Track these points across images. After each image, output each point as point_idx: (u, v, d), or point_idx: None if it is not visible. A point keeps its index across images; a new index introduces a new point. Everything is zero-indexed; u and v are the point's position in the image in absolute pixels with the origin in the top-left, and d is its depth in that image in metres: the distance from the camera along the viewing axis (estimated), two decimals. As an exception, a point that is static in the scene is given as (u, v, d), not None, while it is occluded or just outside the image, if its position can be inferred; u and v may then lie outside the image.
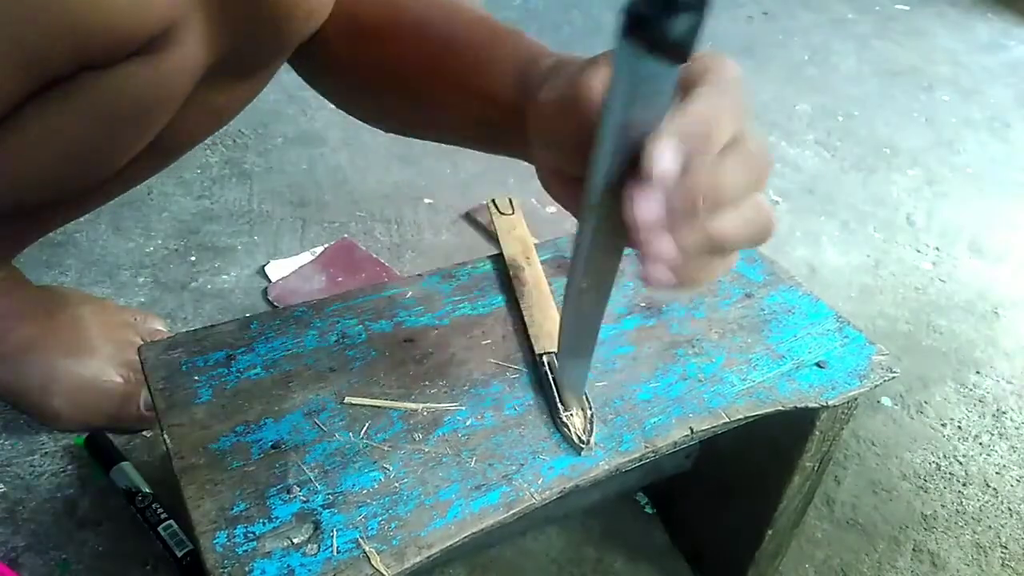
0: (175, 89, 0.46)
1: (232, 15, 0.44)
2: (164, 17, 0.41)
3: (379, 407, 0.42)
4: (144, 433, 0.72)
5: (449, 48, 0.49)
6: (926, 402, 0.86)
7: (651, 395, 0.44)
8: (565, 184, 0.37)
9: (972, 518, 0.74)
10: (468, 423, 0.41)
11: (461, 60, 0.48)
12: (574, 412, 0.42)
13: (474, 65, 0.47)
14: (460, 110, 0.48)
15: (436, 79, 0.49)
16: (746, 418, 0.44)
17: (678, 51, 0.27)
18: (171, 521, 0.63)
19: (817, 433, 0.49)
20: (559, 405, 0.42)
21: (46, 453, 0.70)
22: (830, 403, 0.45)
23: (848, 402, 0.47)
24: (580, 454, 0.40)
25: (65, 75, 0.41)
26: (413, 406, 0.42)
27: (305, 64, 0.56)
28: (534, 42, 0.47)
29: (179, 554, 0.61)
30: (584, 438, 0.40)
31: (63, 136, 0.45)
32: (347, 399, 0.42)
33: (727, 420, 0.43)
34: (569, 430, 0.41)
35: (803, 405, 0.45)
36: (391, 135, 0.61)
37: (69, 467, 0.69)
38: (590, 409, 0.42)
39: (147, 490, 0.65)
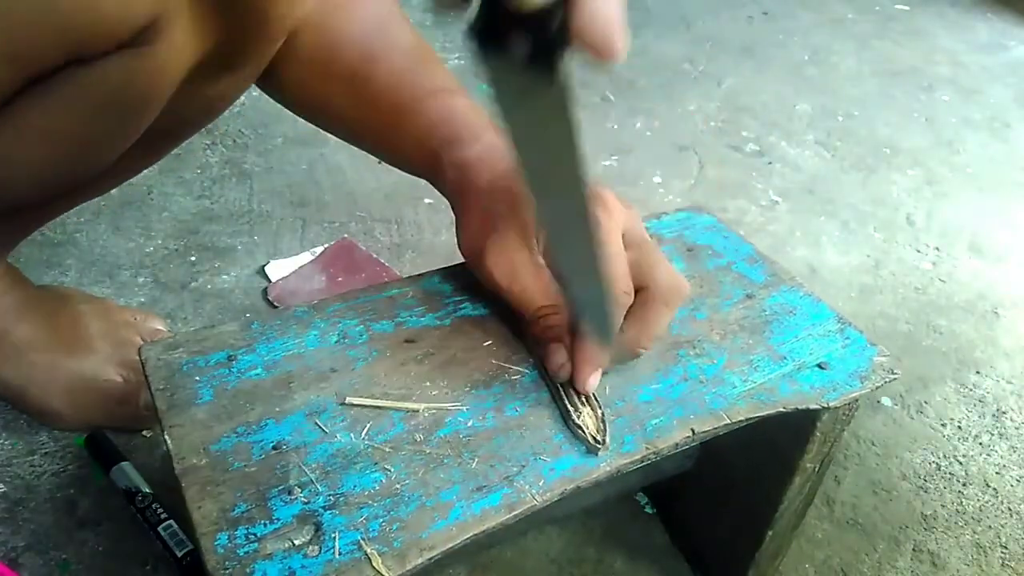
0: (164, 81, 0.46)
1: (219, 6, 0.45)
2: (150, 9, 0.41)
3: (380, 407, 0.42)
4: (144, 433, 0.72)
5: (374, 107, 0.55)
6: (926, 402, 0.86)
7: (652, 396, 0.44)
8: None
9: (972, 518, 0.74)
10: (469, 424, 0.41)
11: (386, 125, 0.55)
12: (585, 412, 0.42)
13: (393, 132, 0.54)
14: (388, 158, 0.57)
15: (364, 131, 0.58)
16: (747, 419, 0.44)
17: (540, 62, 0.25)
18: (171, 521, 0.63)
19: (818, 434, 0.49)
20: (568, 408, 0.42)
21: (46, 453, 0.70)
22: (831, 404, 0.45)
23: (849, 403, 0.47)
24: (597, 455, 0.40)
25: (53, 68, 0.41)
26: (414, 406, 0.42)
27: (263, 79, 0.58)
28: (441, 121, 0.52)
29: (179, 554, 0.61)
30: (599, 438, 0.40)
31: (53, 129, 0.45)
32: (348, 399, 0.42)
33: (728, 422, 0.43)
34: (584, 431, 0.41)
35: (804, 407, 0.45)
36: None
37: (69, 467, 0.69)
38: (600, 408, 0.42)
39: (147, 490, 0.65)
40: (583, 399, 0.43)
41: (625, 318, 0.43)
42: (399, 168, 0.58)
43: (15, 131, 0.44)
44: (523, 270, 0.44)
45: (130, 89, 0.45)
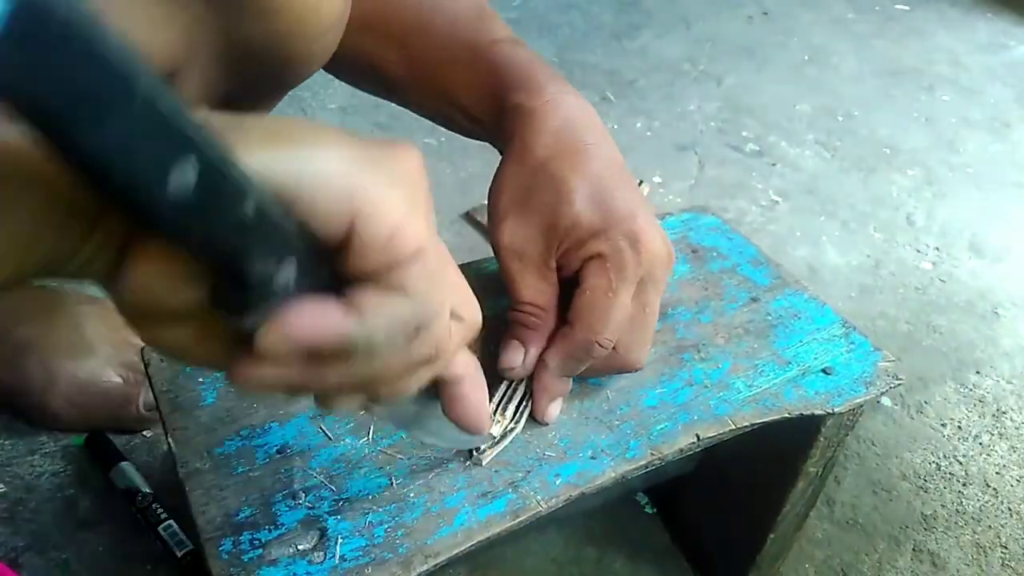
0: None
1: (234, 59, 0.44)
2: (171, 61, 0.40)
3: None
4: (144, 433, 0.72)
5: (431, 61, 0.52)
6: (926, 402, 0.86)
7: (657, 401, 0.44)
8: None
9: (972, 518, 0.75)
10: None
11: (440, 78, 0.51)
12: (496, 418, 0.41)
13: (452, 81, 0.51)
14: (444, 111, 0.53)
15: (420, 88, 0.54)
16: (752, 425, 0.44)
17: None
18: (171, 521, 0.63)
19: (822, 439, 0.48)
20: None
21: (46, 453, 0.69)
22: (836, 411, 0.45)
23: (854, 409, 0.47)
24: (470, 461, 0.40)
25: None
26: None
27: None
28: (505, 66, 0.49)
29: (179, 554, 0.61)
30: (483, 449, 0.40)
31: None
32: None
33: (733, 427, 0.43)
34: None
35: (809, 412, 0.45)
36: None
37: (69, 467, 0.69)
38: (518, 423, 0.42)
39: (147, 490, 0.65)
40: (515, 404, 0.42)
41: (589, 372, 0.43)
42: (451, 125, 0.54)
43: None
44: (532, 260, 0.42)
45: None
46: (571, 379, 0.42)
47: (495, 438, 0.40)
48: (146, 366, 0.43)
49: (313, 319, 0.22)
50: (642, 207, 0.42)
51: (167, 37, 0.39)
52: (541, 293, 0.42)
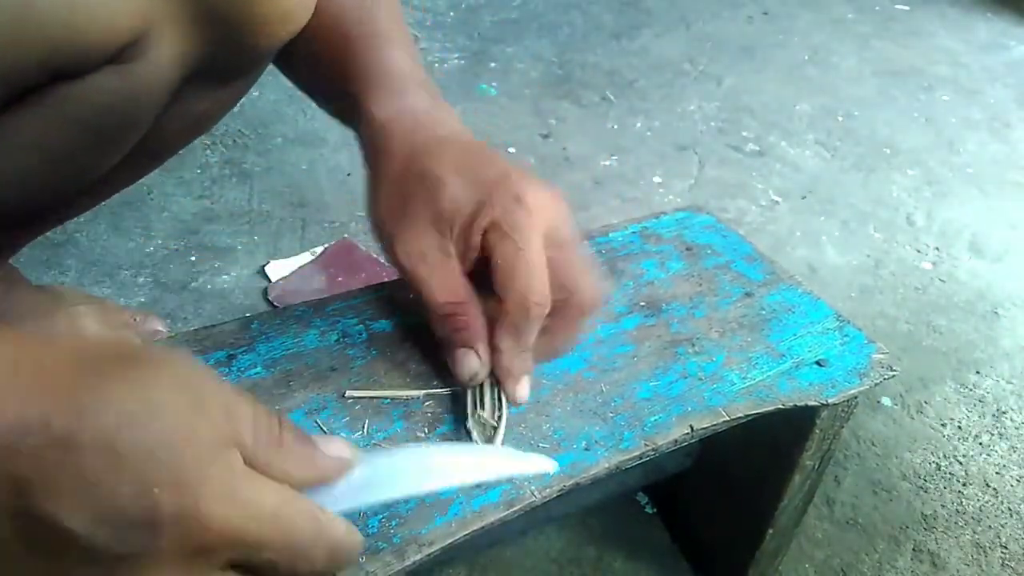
0: (150, 97, 0.45)
1: (204, 23, 0.44)
2: (133, 26, 0.40)
3: (379, 397, 0.42)
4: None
5: (316, 44, 0.52)
6: (926, 402, 0.86)
7: (651, 393, 0.44)
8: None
9: (972, 518, 0.74)
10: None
11: (316, 62, 0.52)
12: (485, 412, 0.41)
13: (324, 71, 0.51)
14: (321, 103, 0.55)
15: (301, 71, 0.55)
16: (746, 416, 0.44)
17: None
18: (171, 520, 0.63)
19: (817, 431, 0.49)
20: (470, 404, 0.41)
21: (46, 452, 0.70)
22: (830, 401, 0.45)
23: (848, 400, 0.47)
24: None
25: (37, 85, 0.41)
26: (415, 393, 0.42)
27: None
28: (374, 62, 0.49)
29: (179, 553, 0.61)
30: (487, 437, 0.40)
31: (40, 144, 0.45)
32: (349, 393, 0.42)
33: (727, 418, 0.43)
34: (474, 434, 0.40)
35: (803, 403, 0.45)
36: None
37: (69, 466, 0.69)
38: (500, 410, 0.41)
39: (147, 489, 0.65)
40: (489, 398, 0.41)
41: (546, 324, 0.41)
42: (336, 118, 0.54)
43: (2, 145, 0.44)
44: (432, 258, 0.41)
45: (116, 105, 0.44)
46: (529, 353, 0.41)
47: None
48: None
49: None
50: (512, 169, 0.42)
51: (129, 3, 0.39)
52: (455, 288, 0.41)
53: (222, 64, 0.48)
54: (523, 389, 0.41)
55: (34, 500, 0.23)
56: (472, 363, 0.41)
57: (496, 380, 0.42)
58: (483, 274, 0.41)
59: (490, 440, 0.40)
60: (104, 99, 0.43)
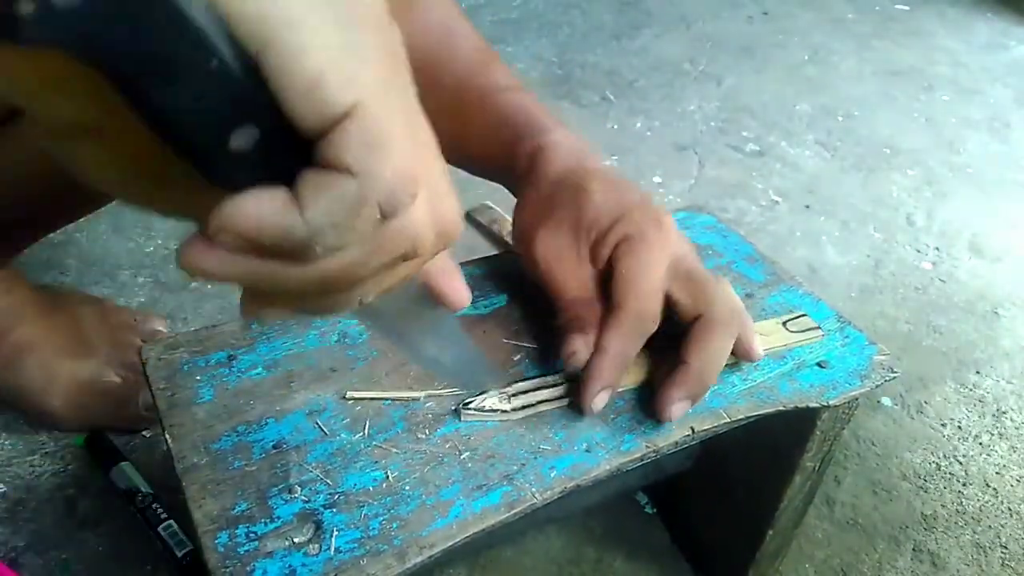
0: None
1: None
2: None
3: (379, 399, 0.42)
4: (144, 433, 0.72)
5: (440, 112, 0.54)
6: (926, 402, 0.86)
7: (652, 395, 0.44)
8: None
9: (972, 518, 0.74)
10: (469, 423, 0.41)
11: (448, 125, 0.53)
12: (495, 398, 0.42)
13: (461, 130, 0.53)
14: (455, 159, 0.54)
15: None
16: (747, 418, 0.44)
17: None
18: (171, 521, 0.63)
19: (818, 433, 0.49)
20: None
21: (46, 453, 0.70)
22: (831, 403, 0.45)
23: (849, 402, 0.47)
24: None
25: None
26: (416, 394, 0.42)
27: None
28: (519, 112, 0.52)
29: (179, 554, 0.61)
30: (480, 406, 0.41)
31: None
32: (349, 394, 0.42)
33: (728, 420, 0.43)
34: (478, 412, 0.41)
35: (804, 405, 0.45)
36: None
37: (69, 467, 0.69)
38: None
39: (147, 490, 0.65)
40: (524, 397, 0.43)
41: (687, 350, 0.42)
42: (464, 168, 0.56)
43: (13, 147, 0.44)
44: (567, 258, 0.44)
45: None
46: (623, 371, 0.42)
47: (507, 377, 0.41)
48: (144, 364, 0.43)
49: (255, 206, 0.19)
50: (654, 202, 0.46)
51: None
52: (582, 285, 0.44)
53: None
54: (602, 400, 0.42)
55: None
56: (578, 343, 0.42)
57: (568, 391, 0.43)
58: (605, 287, 0.44)
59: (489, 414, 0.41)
60: None
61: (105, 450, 0.68)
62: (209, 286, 0.89)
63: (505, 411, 0.41)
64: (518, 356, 0.46)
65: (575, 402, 0.42)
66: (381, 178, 0.20)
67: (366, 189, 0.20)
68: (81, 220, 0.95)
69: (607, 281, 0.44)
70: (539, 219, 0.46)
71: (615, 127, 1.32)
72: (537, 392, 0.43)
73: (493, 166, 0.54)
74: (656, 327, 0.43)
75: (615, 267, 0.43)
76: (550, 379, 0.44)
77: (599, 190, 0.45)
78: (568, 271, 0.44)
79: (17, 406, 0.71)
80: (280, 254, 0.20)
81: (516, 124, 0.51)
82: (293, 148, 0.20)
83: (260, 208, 0.19)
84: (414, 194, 0.21)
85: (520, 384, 0.43)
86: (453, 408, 0.41)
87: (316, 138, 0.19)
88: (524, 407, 0.42)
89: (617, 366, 0.42)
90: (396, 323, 0.31)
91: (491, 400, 0.42)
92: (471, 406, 0.41)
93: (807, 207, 1.16)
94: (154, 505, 0.64)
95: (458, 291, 0.30)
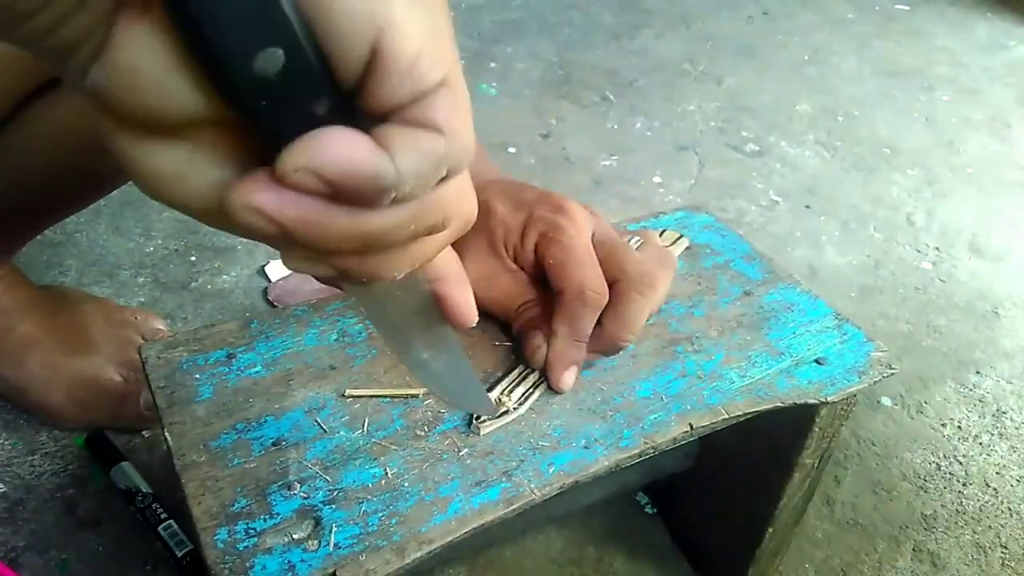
0: None
1: None
2: None
3: (378, 396, 0.42)
4: (144, 433, 0.72)
5: None
6: (926, 402, 0.86)
7: (651, 392, 0.44)
8: None
9: (972, 518, 0.74)
10: (468, 419, 0.41)
11: None
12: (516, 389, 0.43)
13: None
14: None
15: None
16: (745, 415, 0.44)
17: None
18: (171, 521, 0.63)
19: (817, 430, 0.49)
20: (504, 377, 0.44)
21: (46, 453, 0.70)
22: (829, 399, 0.45)
23: (847, 398, 0.47)
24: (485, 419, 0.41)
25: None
26: (414, 391, 0.42)
27: None
28: None
29: (179, 554, 0.61)
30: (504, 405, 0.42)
31: (64, 133, 0.46)
32: (348, 392, 0.42)
33: (727, 416, 0.43)
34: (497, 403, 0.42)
35: (802, 401, 0.45)
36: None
37: (69, 467, 0.69)
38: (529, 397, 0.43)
39: (147, 490, 0.65)
40: (522, 387, 0.44)
41: (603, 314, 0.44)
42: None
43: (26, 135, 0.45)
44: (498, 279, 0.46)
45: None
46: (583, 347, 0.44)
47: (494, 408, 0.41)
48: (143, 362, 0.44)
49: (346, 147, 0.19)
50: (548, 191, 0.47)
51: None
52: (523, 290, 0.46)
53: None
54: (569, 377, 0.43)
55: None
56: (537, 338, 0.44)
57: (535, 382, 0.44)
58: (546, 285, 0.45)
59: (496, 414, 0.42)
60: None
61: (105, 450, 0.68)
62: (209, 286, 0.89)
63: (513, 409, 0.42)
64: (517, 352, 0.46)
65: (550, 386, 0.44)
66: (462, 140, 0.21)
67: (449, 148, 0.21)
68: (81, 220, 0.95)
69: (545, 279, 0.45)
70: (458, 252, 0.47)
71: (615, 127, 1.32)
72: (526, 379, 0.44)
73: None
74: (604, 295, 0.43)
75: (544, 262, 0.44)
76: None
77: (499, 202, 0.46)
78: (504, 290, 0.46)
79: (18, 403, 0.71)
80: (352, 199, 0.21)
81: None
82: (354, 114, 0.21)
83: (352, 149, 0.20)
84: (470, 161, 0.23)
85: (512, 375, 0.44)
86: (467, 424, 0.41)
87: (398, 102, 0.21)
88: (524, 397, 0.43)
89: (573, 344, 0.43)
90: (399, 327, 0.31)
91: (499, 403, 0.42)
92: (484, 421, 0.41)
93: (807, 207, 1.16)
94: (154, 505, 0.64)
95: (466, 307, 0.31)
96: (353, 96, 0.20)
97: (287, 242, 0.21)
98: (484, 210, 0.45)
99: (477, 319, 0.32)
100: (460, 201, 0.24)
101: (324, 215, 0.20)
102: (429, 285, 0.30)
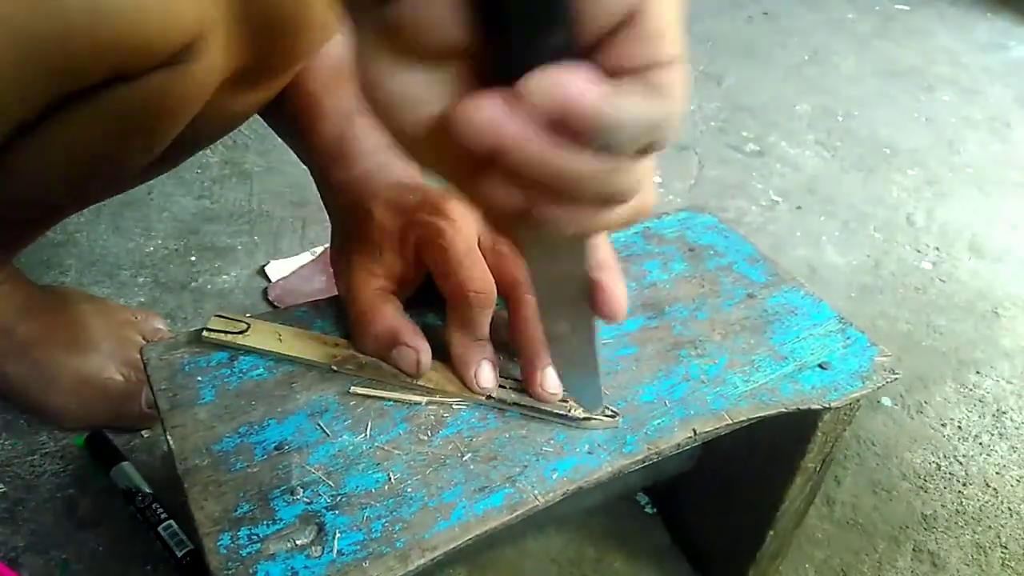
0: (196, 97, 0.47)
1: (253, 28, 0.46)
2: (193, 31, 0.42)
3: (383, 397, 0.42)
4: (144, 433, 0.72)
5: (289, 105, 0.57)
6: (926, 402, 0.86)
7: (654, 396, 0.44)
8: None
9: (972, 518, 0.74)
10: (471, 425, 0.41)
11: (292, 126, 0.57)
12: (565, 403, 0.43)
13: (299, 139, 0.56)
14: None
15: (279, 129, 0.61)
16: (749, 420, 0.44)
17: None
18: (171, 521, 0.63)
19: (819, 434, 0.49)
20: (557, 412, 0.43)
21: (46, 453, 0.70)
22: (833, 404, 0.45)
23: (851, 403, 0.47)
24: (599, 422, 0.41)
25: (95, 84, 0.42)
26: (417, 399, 0.42)
27: None
28: (343, 133, 0.53)
29: (179, 554, 0.61)
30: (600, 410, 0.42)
31: (85, 140, 0.46)
32: (353, 389, 0.42)
33: (730, 422, 0.43)
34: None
35: (806, 407, 0.45)
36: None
37: (69, 467, 0.69)
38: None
39: (147, 490, 0.65)
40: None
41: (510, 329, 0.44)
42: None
43: (49, 140, 0.45)
44: (373, 304, 0.44)
45: (164, 105, 0.46)
46: (486, 345, 0.43)
47: (601, 408, 0.42)
48: (145, 364, 0.43)
49: (585, 83, 0.21)
50: (433, 191, 0.45)
51: (189, 7, 0.41)
52: (393, 325, 0.44)
53: (262, 68, 0.50)
54: (483, 375, 0.42)
55: None
56: (410, 355, 0.42)
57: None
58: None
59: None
60: (155, 100, 0.45)
61: (105, 450, 0.68)
62: (209, 286, 0.89)
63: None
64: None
65: None
66: (676, 117, 0.23)
67: (666, 117, 0.23)
68: (81, 220, 0.95)
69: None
70: (340, 260, 0.47)
71: (615, 127, 1.31)
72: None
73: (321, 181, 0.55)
74: (492, 293, 0.42)
75: (430, 269, 0.44)
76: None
77: (380, 208, 0.45)
78: (377, 316, 0.44)
79: (19, 403, 0.71)
80: (571, 133, 0.22)
81: (334, 151, 0.52)
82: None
83: (589, 85, 0.21)
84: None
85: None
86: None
87: (636, 64, 0.22)
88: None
89: (473, 345, 0.43)
90: (553, 292, 0.32)
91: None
92: (587, 417, 0.42)
93: (807, 207, 1.16)
94: (154, 505, 0.64)
95: (621, 300, 0.32)
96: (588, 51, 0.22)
97: (485, 171, 0.23)
98: (363, 212, 0.46)
99: (625, 314, 0.32)
100: (646, 181, 0.25)
101: (538, 140, 0.22)
102: (591, 271, 0.31)
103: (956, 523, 0.74)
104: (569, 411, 0.41)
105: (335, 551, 0.35)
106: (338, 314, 0.47)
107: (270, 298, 0.88)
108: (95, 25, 0.38)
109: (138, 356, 0.68)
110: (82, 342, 0.69)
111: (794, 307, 0.52)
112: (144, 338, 0.73)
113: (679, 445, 0.42)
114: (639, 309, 0.50)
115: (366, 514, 0.36)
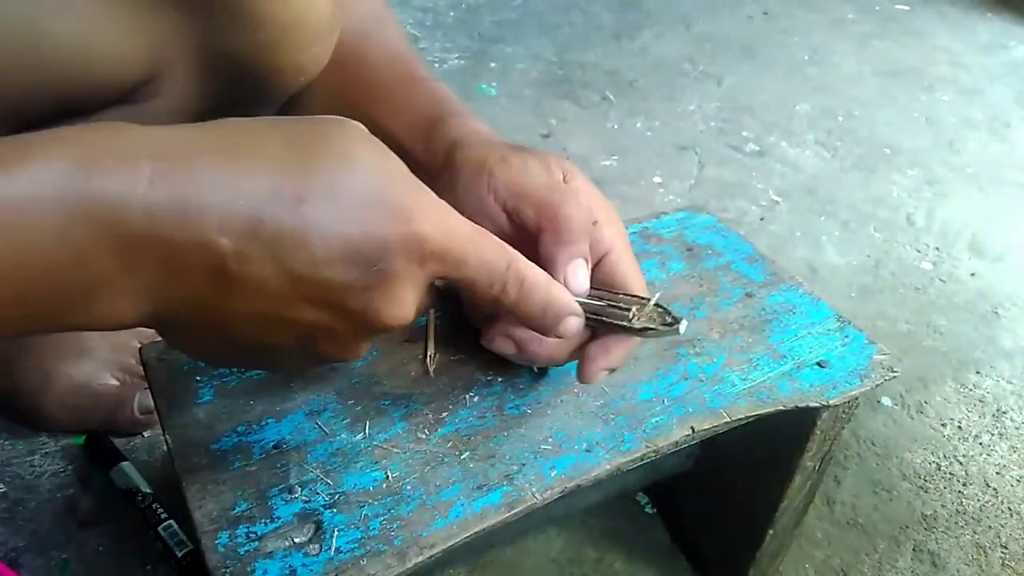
0: None
1: (216, 70, 0.44)
2: (143, 70, 0.41)
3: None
4: (144, 433, 0.72)
5: (368, 90, 0.54)
6: (926, 402, 0.86)
7: (652, 395, 0.44)
8: None
9: (972, 518, 0.74)
10: (469, 423, 0.41)
11: (376, 105, 0.54)
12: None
13: (384, 108, 0.53)
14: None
15: (351, 110, 0.57)
16: (747, 418, 0.44)
17: None
18: (171, 521, 0.63)
19: (818, 432, 0.49)
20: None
21: (46, 453, 0.70)
22: (831, 403, 0.45)
23: (849, 401, 0.47)
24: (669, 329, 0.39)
25: (45, 123, 0.41)
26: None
27: None
28: (443, 97, 0.52)
29: (179, 554, 0.61)
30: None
31: None
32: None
33: (728, 420, 0.43)
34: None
35: (804, 405, 0.45)
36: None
37: (69, 467, 0.69)
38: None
39: (147, 490, 0.65)
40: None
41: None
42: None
43: None
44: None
45: None
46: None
47: None
48: (145, 366, 0.43)
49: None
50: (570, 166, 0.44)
51: (139, 44, 0.40)
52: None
53: (235, 106, 0.49)
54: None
55: (289, 261, 0.28)
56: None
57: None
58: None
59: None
60: None
61: (105, 450, 0.68)
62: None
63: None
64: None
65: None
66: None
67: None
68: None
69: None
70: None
71: (615, 127, 1.32)
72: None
73: (409, 150, 0.52)
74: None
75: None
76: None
77: (502, 168, 0.43)
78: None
79: (12, 408, 0.70)
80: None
81: (441, 109, 0.50)
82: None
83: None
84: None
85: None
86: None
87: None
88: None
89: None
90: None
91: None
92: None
93: (807, 207, 1.16)
94: (154, 505, 0.64)
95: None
96: None
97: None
98: (486, 173, 0.43)
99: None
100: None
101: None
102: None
103: (956, 523, 0.74)
104: (631, 320, 0.39)
105: (333, 549, 0.35)
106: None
107: (270, 298, 0.87)
108: (37, 57, 0.37)
109: (133, 361, 0.68)
110: (76, 347, 0.69)
111: (792, 306, 0.52)
112: (140, 341, 0.73)
113: (677, 443, 0.42)
114: (638, 308, 0.50)
115: (364, 512, 0.36)
